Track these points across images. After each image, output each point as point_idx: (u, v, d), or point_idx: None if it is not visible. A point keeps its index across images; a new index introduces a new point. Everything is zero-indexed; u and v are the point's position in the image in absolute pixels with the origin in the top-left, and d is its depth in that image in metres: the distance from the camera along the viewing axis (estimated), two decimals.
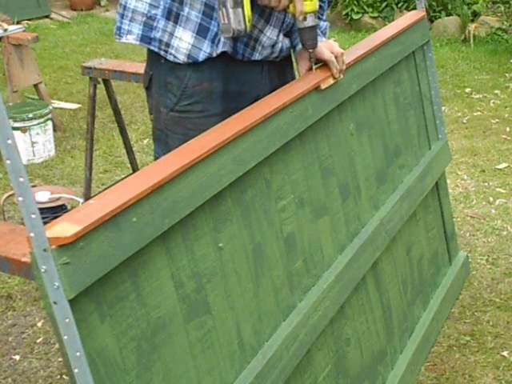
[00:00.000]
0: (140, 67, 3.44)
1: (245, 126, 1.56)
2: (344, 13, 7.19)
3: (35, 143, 4.30)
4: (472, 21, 6.66)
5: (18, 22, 6.48)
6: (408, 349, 2.29)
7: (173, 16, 1.82)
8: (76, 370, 1.13)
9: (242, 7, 1.71)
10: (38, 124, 4.28)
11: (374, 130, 2.17)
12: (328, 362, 1.87)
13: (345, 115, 2.01)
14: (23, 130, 4.25)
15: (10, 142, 1.02)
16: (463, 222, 3.42)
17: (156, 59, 1.89)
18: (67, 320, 1.11)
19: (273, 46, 1.92)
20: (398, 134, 2.34)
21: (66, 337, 1.12)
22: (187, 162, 1.39)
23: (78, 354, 1.13)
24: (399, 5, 7.05)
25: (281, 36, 1.94)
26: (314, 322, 1.76)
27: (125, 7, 1.88)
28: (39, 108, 4.33)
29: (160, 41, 1.85)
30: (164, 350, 1.34)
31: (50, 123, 4.39)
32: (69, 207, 3.26)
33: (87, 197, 3.47)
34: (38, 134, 4.29)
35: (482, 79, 5.60)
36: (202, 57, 1.83)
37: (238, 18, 1.72)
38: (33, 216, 1.06)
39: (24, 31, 4.70)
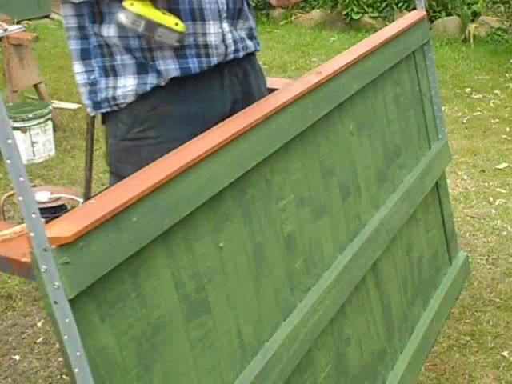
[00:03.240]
0: None
1: (245, 126, 1.56)
2: (344, 13, 7.19)
3: (35, 143, 4.30)
4: (472, 21, 6.66)
5: (18, 22, 6.47)
6: (408, 349, 2.29)
7: (109, 70, 1.78)
8: (76, 370, 1.13)
9: (160, 25, 1.67)
10: (38, 124, 4.28)
11: (374, 129, 2.17)
12: (328, 362, 1.87)
13: (345, 115, 2.01)
14: (23, 129, 4.25)
15: (10, 141, 1.02)
16: (463, 222, 3.42)
17: None
18: (67, 320, 1.11)
19: (223, 40, 1.81)
20: (398, 133, 2.34)
21: (66, 336, 1.12)
22: (187, 162, 1.39)
23: (78, 353, 1.13)
24: (399, 5, 7.05)
25: (225, 26, 1.81)
26: (314, 321, 1.76)
27: (79, 85, 1.83)
28: (39, 108, 4.33)
29: (106, 99, 1.79)
30: (164, 350, 1.34)
31: (49, 123, 4.39)
32: (69, 207, 3.25)
33: (87, 197, 3.47)
34: (38, 134, 4.29)
35: (481, 79, 5.60)
36: (148, 88, 1.77)
37: (167, 34, 1.68)
38: (33, 216, 1.06)
39: (24, 31, 4.70)
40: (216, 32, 1.79)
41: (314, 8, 7.63)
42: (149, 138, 1.79)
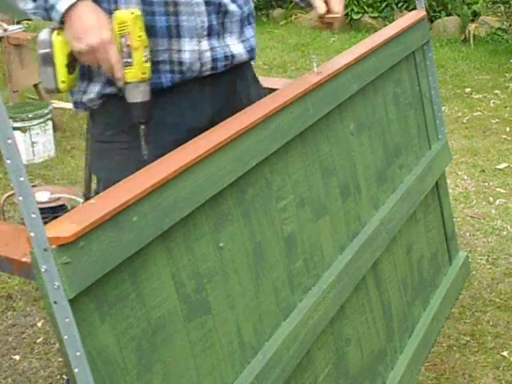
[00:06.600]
0: None
1: (245, 126, 1.56)
2: (344, 13, 7.19)
3: (35, 143, 4.30)
4: (472, 21, 6.66)
5: (17, 22, 6.47)
6: (408, 349, 2.29)
7: (86, 73, 1.73)
8: (76, 370, 1.13)
9: (53, 66, 1.58)
10: (38, 124, 4.28)
11: (374, 129, 2.17)
12: (328, 362, 1.87)
13: (345, 115, 2.01)
14: (23, 129, 4.25)
15: (10, 141, 1.02)
16: (463, 222, 3.42)
17: None
18: (67, 320, 1.11)
19: (199, 58, 1.73)
20: (398, 133, 2.34)
21: (66, 336, 1.12)
22: (188, 162, 1.39)
23: (78, 353, 1.13)
24: (399, 5, 7.05)
25: (204, 43, 1.73)
26: (314, 321, 1.76)
27: None
28: (39, 108, 4.33)
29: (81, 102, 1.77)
30: (164, 350, 1.34)
31: (49, 123, 4.39)
32: (69, 207, 3.26)
33: (87, 197, 3.47)
34: (38, 134, 4.30)
35: (481, 79, 5.60)
36: (107, 92, 1.72)
37: (48, 77, 1.58)
38: (33, 216, 1.06)
39: (24, 31, 4.70)
40: (191, 49, 1.71)
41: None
42: (121, 141, 1.74)
